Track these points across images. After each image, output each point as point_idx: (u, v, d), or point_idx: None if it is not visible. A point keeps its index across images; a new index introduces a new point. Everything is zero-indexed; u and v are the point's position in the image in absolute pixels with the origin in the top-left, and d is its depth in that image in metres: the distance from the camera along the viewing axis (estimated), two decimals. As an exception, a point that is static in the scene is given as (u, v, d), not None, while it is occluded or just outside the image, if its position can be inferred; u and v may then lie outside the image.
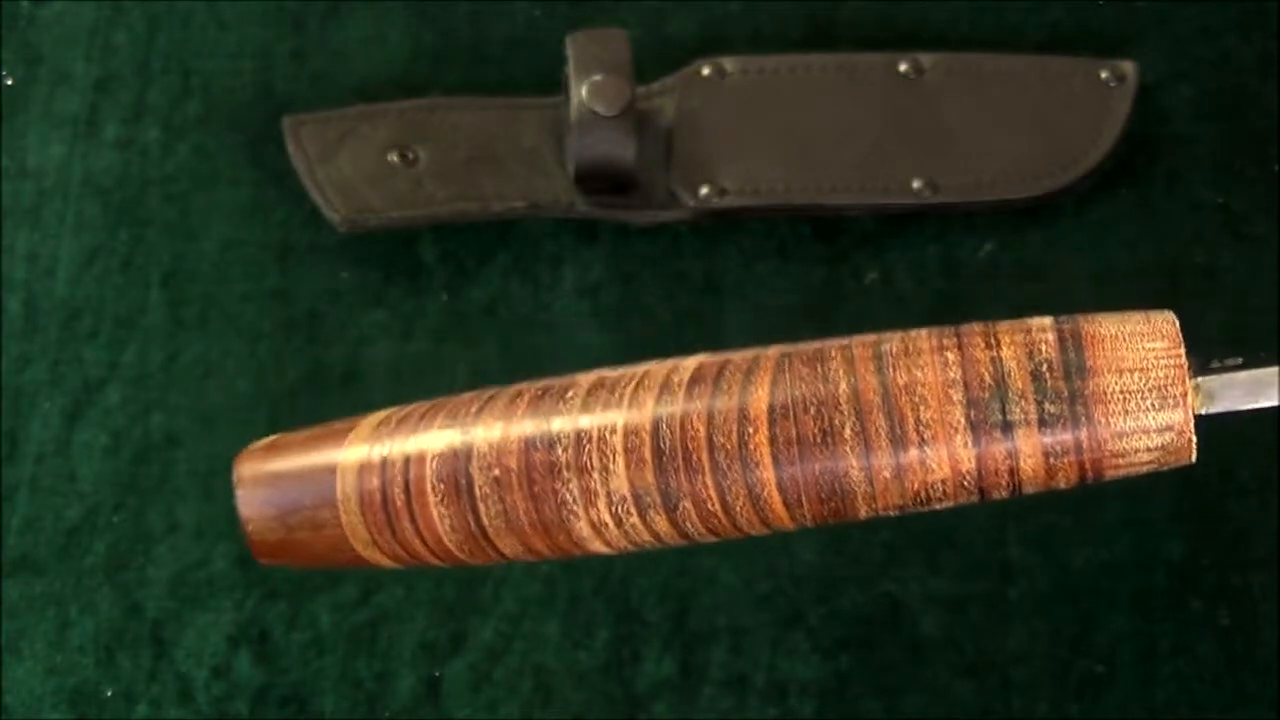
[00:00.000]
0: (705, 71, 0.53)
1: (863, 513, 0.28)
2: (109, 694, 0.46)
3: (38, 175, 0.53)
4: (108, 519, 0.48)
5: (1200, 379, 0.27)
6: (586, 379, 0.29)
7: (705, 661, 0.46)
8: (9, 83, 0.54)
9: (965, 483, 0.27)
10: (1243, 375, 0.28)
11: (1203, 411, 0.27)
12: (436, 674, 0.46)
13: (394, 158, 0.52)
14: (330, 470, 0.31)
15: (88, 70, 0.55)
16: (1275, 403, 0.28)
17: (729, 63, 0.53)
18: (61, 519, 0.48)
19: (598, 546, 0.29)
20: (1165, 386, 0.27)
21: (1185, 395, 0.27)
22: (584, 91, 0.50)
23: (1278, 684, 0.45)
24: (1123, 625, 0.46)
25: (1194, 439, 0.27)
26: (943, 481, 0.27)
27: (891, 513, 0.28)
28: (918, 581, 0.47)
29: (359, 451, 0.31)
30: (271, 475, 0.32)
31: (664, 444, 0.28)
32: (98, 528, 0.48)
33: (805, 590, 0.47)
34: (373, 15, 0.56)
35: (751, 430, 0.27)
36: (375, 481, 0.30)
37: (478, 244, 0.52)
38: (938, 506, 0.28)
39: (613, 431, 0.28)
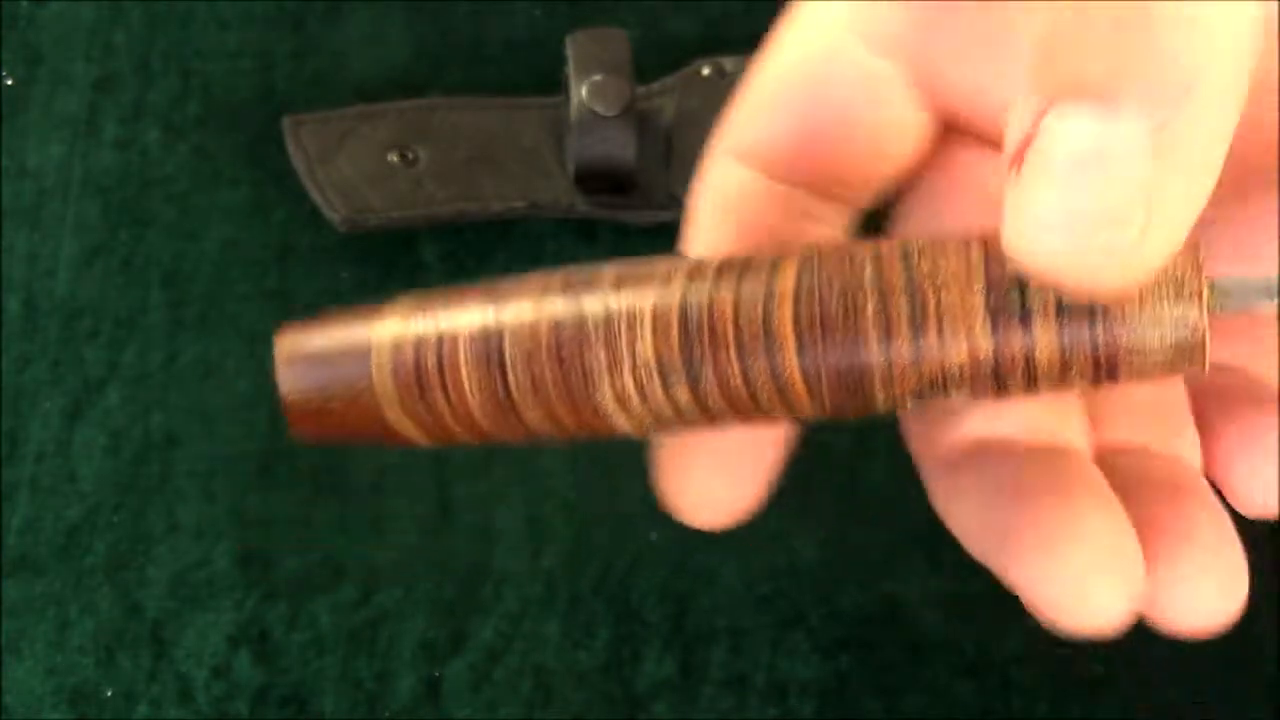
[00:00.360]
0: (705, 71, 0.53)
1: (880, 397, 0.28)
2: (109, 694, 0.46)
3: (38, 175, 0.53)
4: (108, 519, 0.48)
5: (1216, 279, 0.28)
6: (615, 268, 0.30)
7: (705, 661, 0.46)
8: (9, 83, 0.54)
9: (982, 369, 0.28)
10: (1258, 278, 0.28)
11: (1218, 309, 0.28)
12: (436, 674, 0.46)
13: (394, 158, 0.52)
14: (365, 342, 0.32)
15: (88, 70, 0.55)
16: None
17: (729, 63, 0.53)
18: (61, 519, 0.48)
19: (621, 421, 0.30)
20: (1181, 281, 0.27)
21: (1200, 292, 0.27)
22: (584, 91, 0.50)
23: (1278, 684, 0.45)
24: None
25: (1208, 341, 0.27)
26: (960, 366, 0.28)
27: (909, 400, 0.28)
28: (918, 581, 0.47)
29: (393, 326, 0.32)
30: (309, 346, 0.33)
31: (691, 319, 0.29)
32: (98, 528, 0.48)
33: (805, 590, 0.47)
34: (373, 15, 0.56)
35: (776, 306, 0.28)
36: (409, 351, 0.31)
37: (478, 244, 0.52)
38: (955, 395, 0.28)
39: (642, 308, 0.29)
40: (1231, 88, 0.24)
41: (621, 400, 0.29)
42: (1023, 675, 0.46)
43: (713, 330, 0.29)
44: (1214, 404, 0.31)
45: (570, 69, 0.50)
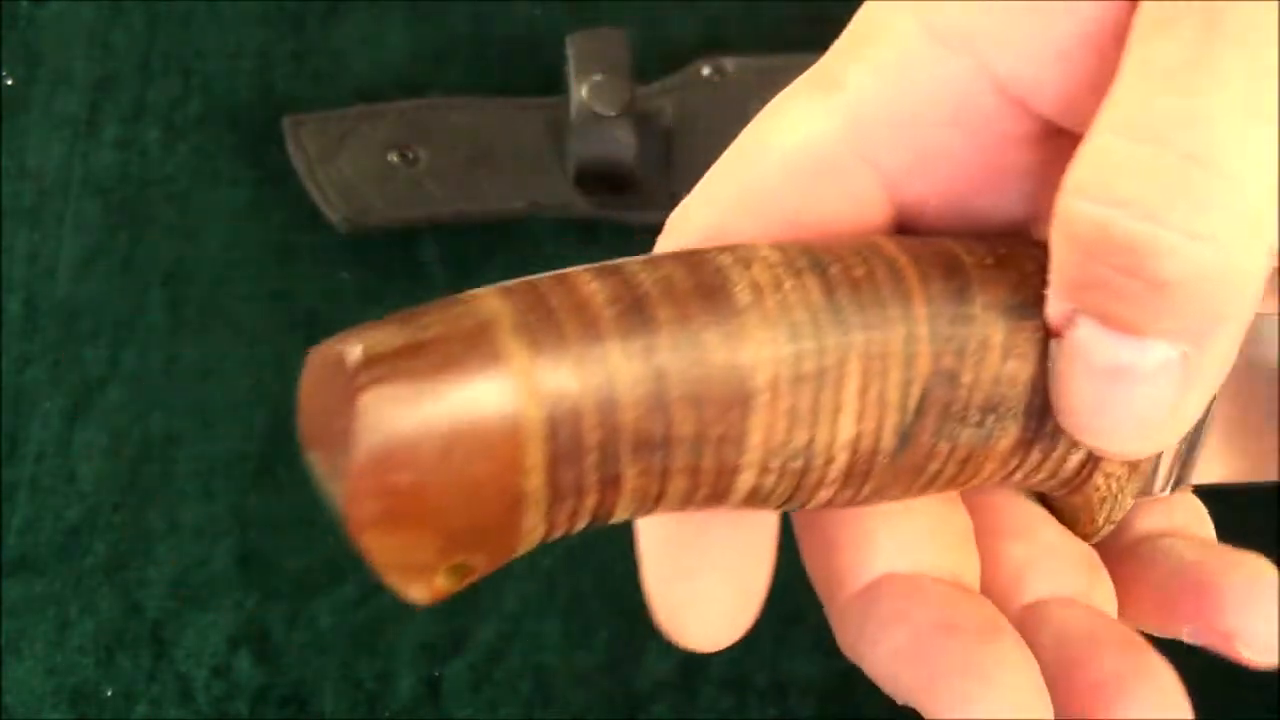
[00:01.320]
0: (705, 71, 0.53)
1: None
2: (109, 694, 0.46)
3: (38, 175, 0.53)
4: (108, 519, 0.48)
5: None
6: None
7: (705, 661, 0.46)
8: (9, 83, 0.55)
9: (1034, 386, 0.27)
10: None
11: None
12: (436, 674, 0.46)
13: (394, 158, 0.52)
14: (495, 365, 0.23)
15: (88, 70, 0.55)
16: None
17: (729, 63, 0.53)
18: (61, 519, 0.48)
19: (757, 337, 0.26)
20: None
21: None
22: (584, 91, 0.50)
23: (1278, 684, 0.45)
24: (1123, 625, 0.46)
25: None
26: (1013, 378, 0.27)
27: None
28: (918, 581, 0.47)
29: (523, 358, 0.24)
30: (411, 364, 0.23)
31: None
32: (98, 528, 0.48)
33: (806, 589, 0.47)
34: (373, 15, 0.56)
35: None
36: (568, 402, 0.24)
37: (478, 244, 0.52)
38: (996, 418, 0.27)
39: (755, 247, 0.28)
40: (1248, 314, 0.25)
41: (758, 294, 0.27)
42: (1023, 675, 0.46)
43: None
44: (1202, 564, 0.31)
45: (570, 69, 0.51)
